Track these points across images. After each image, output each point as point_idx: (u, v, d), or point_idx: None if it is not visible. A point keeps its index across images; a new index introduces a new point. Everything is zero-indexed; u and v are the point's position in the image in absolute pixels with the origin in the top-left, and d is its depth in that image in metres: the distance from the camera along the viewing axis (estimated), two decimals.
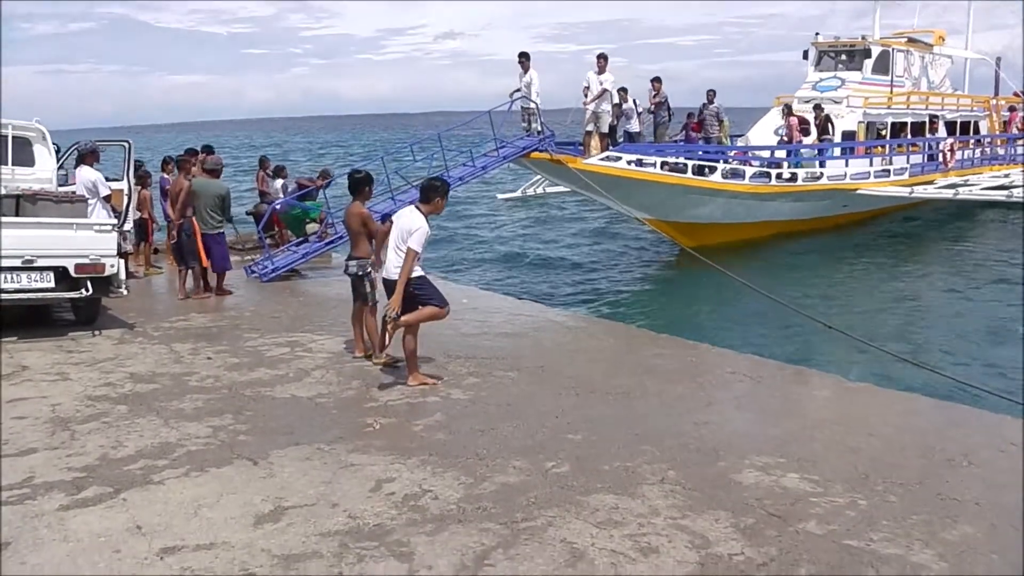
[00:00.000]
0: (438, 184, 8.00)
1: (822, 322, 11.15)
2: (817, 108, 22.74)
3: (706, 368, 8.80)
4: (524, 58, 17.34)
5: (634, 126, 19.62)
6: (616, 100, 18.65)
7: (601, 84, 17.86)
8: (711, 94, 21.07)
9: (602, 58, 18.07)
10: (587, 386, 7.97)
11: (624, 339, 10.63)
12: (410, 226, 7.63)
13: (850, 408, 7.77)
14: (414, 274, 7.69)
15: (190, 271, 12.51)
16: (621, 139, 19.33)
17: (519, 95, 17.28)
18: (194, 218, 12.24)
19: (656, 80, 19.58)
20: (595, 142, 18.29)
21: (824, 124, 22.45)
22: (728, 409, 7.45)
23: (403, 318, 7.63)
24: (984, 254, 21.61)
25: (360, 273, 8.78)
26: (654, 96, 19.75)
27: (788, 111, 22.48)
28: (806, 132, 22.53)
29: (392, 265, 7.80)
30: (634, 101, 19.76)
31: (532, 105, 17.18)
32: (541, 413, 7.16)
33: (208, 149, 15.87)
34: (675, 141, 21.52)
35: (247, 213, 17.96)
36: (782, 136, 22.53)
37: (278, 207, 15.51)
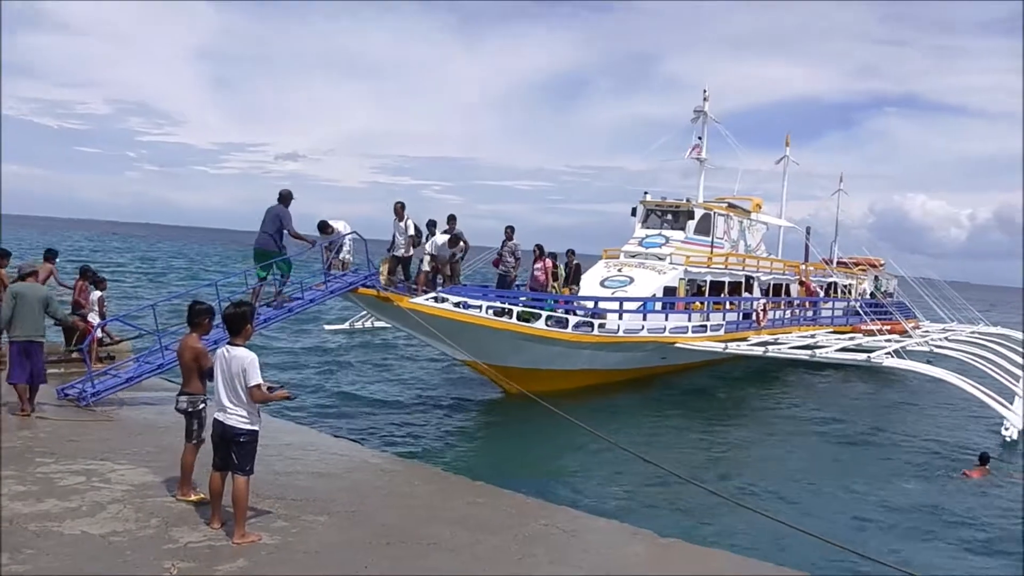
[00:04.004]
0: (244, 310, 7.50)
1: (643, 456, 11.42)
2: (570, 253, 23.33)
3: (521, 519, 8.77)
4: (324, 228, 16.68)
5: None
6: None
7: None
8: (509, 231, 21.50)
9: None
10: (399, 535, 7.78)
11: (440, 485, 10.43)
12: (240, 364, 7.18)
13: (662, 566, 7.94)
14: (251, 427, 7.30)
15: None
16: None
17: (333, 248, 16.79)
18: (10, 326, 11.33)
19: (450, 218, 19.83)
20: (385, 267, 18.32)
21: (575, 272, 22.96)
22: (541, 564, 7.41)
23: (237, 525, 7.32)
24: (789, 405, 23.09)
25: (191, 410, 8.32)
26: (445, 231, 19.85)
27: (540, 252, 22.61)
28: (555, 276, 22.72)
29: (231, 410, 7.26)
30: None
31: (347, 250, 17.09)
32: (350, 563, 6.92)
33: None
34: (519, 286, 21.89)
35: (55, 323, 16.81)
36: (537, 276, 22.65)
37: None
